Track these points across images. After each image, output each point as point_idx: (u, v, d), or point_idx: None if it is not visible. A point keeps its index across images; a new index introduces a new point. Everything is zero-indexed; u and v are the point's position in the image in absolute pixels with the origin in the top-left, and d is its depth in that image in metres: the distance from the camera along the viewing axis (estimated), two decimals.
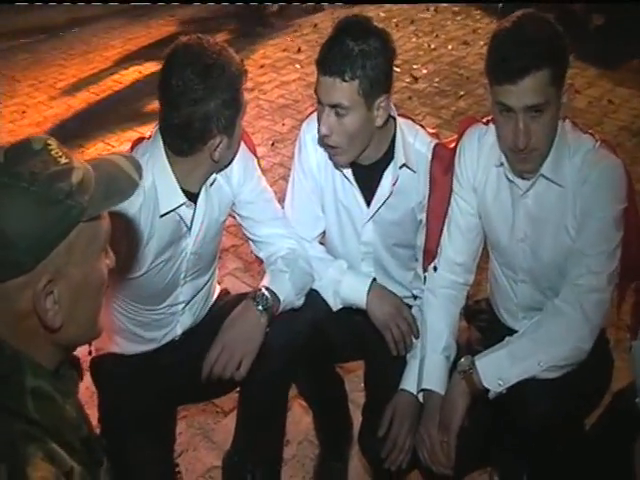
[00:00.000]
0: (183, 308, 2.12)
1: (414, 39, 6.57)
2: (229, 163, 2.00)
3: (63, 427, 1.13)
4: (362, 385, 2.62)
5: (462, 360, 1.88)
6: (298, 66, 6.21)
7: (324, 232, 2.25)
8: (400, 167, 2.04)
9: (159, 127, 1.88)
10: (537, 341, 1.80)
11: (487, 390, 1.81)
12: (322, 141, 2.00)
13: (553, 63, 1.70)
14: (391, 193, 2.07)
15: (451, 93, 5.55)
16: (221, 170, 1.99)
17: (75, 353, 1.31)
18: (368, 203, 2.10)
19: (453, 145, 2.06)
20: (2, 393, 1.07)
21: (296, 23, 7.22)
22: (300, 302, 2.06)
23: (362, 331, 2.16)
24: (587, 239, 1.81)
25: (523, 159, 1.81)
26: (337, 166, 2.09)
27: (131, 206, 1.80)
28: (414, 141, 2.07)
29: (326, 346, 2.11)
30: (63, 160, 1.10)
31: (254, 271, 3.54)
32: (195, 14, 7.71)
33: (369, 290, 2.09)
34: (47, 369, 1.16)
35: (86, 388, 2.17)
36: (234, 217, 2.17)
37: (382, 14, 7.07)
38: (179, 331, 2.15)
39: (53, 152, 1.10)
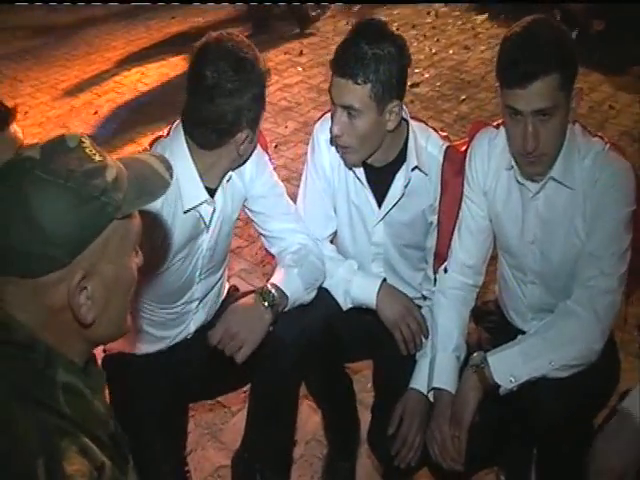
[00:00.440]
0: (197, 306, 2.14)
1: (415, 43, 6.59)
2: (247, 159, 2.02)
3: (92, 422, 1.15)
4: (369, 385, 2.65)
5: (474, 355, 1.91)
6: (300, 69, 6.23)
7: (335, 232, 2.27)
8: (412, 169, 2.06)
9: (185, 120, 1.89)
10: (549, 340, 1.82)
11: (498, 386, 1.83)
12: (334, 141, 2.02)
13: (562, 68, 1.72)
14: (403, 195, 2.09)
15: (453, 97, 5.58)
16: (240, 166, 2.01)
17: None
18: (379, 204, 2.13)
19: (464, 148, 2.08)
20: (36, 388, 1.09)
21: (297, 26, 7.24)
22: (310, 297, 2.07)
23: (372, 331, 2.18)
24: (598, 241, 1.83)
25: (532, 162, 1.83)
26: (350, 167, 2.11)
27: (154, 203, 1.81)
28: (426, 144, 2.09)
29: (337, 344, 2.12)
30: (97, 158, 1.12)
31: (259, 272, 3.56)
32: (196, 16, 7.72)
33: (379, 290, 2.11)
34: (78, 365, 1.18)
35: None
36: (246, 214, 2.19)
37: (383, 18, 7.06)
38: (192, 329, 2.17)
39: (87, 150, 1.12)
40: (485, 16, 7.27)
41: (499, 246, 2.11)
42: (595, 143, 1.88)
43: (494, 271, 2.29)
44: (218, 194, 1.98)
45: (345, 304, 2.14)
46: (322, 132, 2.16)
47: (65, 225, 1.06)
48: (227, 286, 2.34)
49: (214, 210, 1.97)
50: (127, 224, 1.16)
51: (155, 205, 1.82)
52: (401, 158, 2.08)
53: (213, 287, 2.17)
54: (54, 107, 5.72)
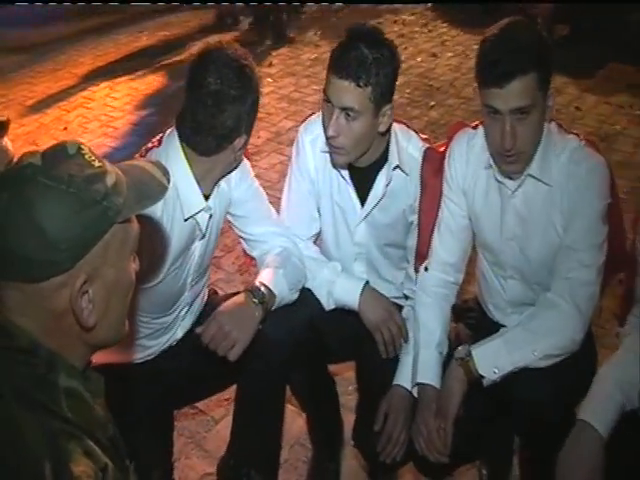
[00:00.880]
0: (186, 312, 2.14)
1: None
2: (239, 164, 2.04)
3: (93, 425, 1.16)
4: (350, 388, 2.67)
5: (459, 348, 1.92)
6: (270, 80, 6.23)
7: (319, 234, 2.29)
8: (393, 169, 2.09)
9: (182, 127, 1.89)
10: (532, 331, 1.85)
11: (482, 378, 1.86)
12: (328, 141, 2.03)
13: (539, 68, 1.77)
14: (384, 194, 2.12)
15: (422, 104, 5.64)
16: (232, 171, 2.03)
17: None
18: (362, 203, 2.15)
19: (443, 149, 2.11)
20: (39, 393, 1.10)
21: (268, 37, 7.26)
22: (294, 297, 2.08)
23: (355, 331, 2.19)
24: (576, 234, 1.87)
25: (510, 160, 1.86)
26: (335, 167, 2.13)
27: (154, 211, 1.82)
28: (407, 145, 2.12)
29: (321, 344, 2.14)
30: (97, 164, 1.14)
31: (237, 281, 3.56)
32: (163, 29, 7.72)
33: (362, 292, 2.13)
34: (78, 369, 1.19)
35: None
36: (225, 219, 2.19)
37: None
38: (180, 335, 2.17)
39: (87, 156, 1.14)
40: (451, 24, 7.37)
41: (478, 243, 2.14)
42: (571, 140, 1.92)
43: (472, 272, 2.32)
44: (211, 200, 1.99)
45: (328, 305, 2.16)
46: (307, 134, 2.18)
47: (68, 230, 1.07)
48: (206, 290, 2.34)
49: (210, 217, 1.98)
50: (127, 228, 1.18)
51: (155, 213, 1.83)
52: (383, 158, 2.10)
53: (200, 292, 2.18)
54: (23, 124, 5.65)
